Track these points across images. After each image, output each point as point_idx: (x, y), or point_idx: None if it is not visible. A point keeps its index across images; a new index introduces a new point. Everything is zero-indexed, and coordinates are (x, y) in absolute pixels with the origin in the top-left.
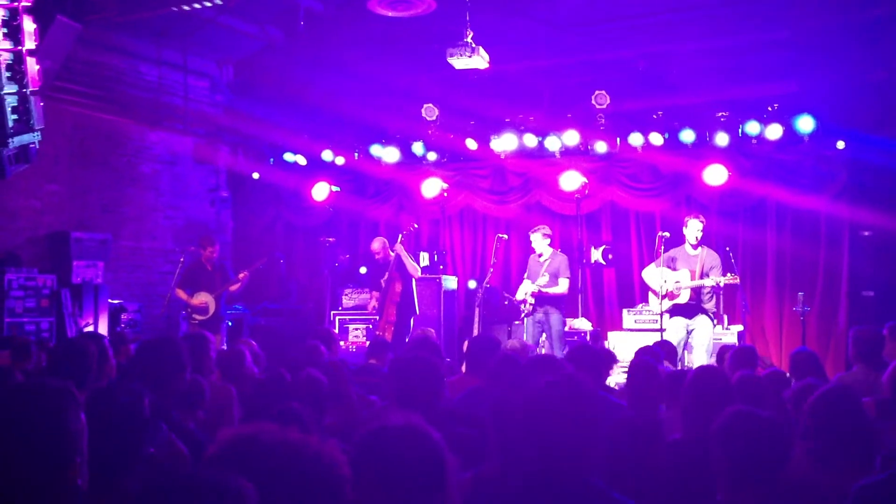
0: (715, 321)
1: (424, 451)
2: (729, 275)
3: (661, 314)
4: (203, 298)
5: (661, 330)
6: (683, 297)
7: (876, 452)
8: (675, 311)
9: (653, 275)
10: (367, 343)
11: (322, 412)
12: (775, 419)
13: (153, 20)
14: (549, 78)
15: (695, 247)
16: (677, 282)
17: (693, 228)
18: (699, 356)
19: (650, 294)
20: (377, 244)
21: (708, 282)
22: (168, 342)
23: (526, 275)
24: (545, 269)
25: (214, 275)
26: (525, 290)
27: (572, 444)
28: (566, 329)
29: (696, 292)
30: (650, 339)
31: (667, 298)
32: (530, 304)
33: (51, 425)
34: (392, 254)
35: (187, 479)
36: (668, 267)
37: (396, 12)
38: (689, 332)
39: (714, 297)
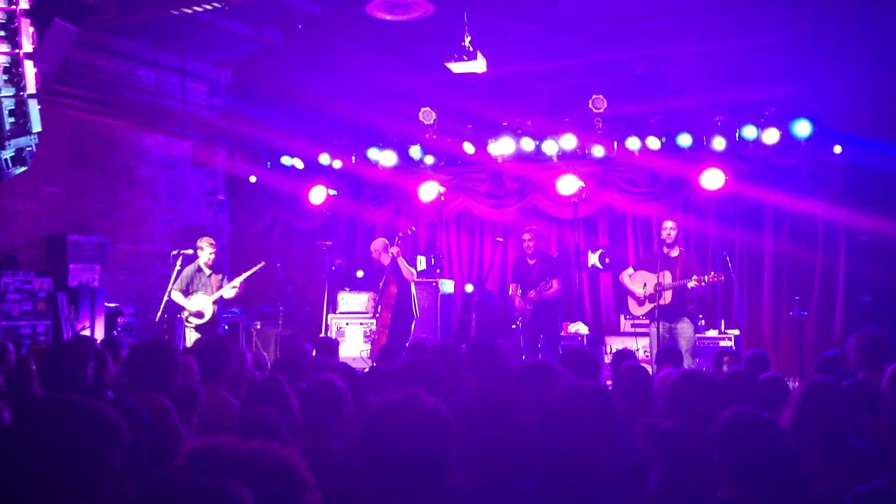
0: (699, 322)
1: (430, 418)
2: (712, 272)
3: (658, 320)
4: (199, 301)
5: (647, 334)
6: (665, 300)
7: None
8: (658, 314)
9: (630, 279)
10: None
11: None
12: (775, 420)
13: (151, 23)
14: (546, 81)
15: (671, 248)
16: (658, 284)
17: (666, 229)
18: (683, 359)
19: (629, 300)
20: (377, 245)
21: (690, 282)
22: (160, 346)
23: (512, 279)
24: (536, 273)
25: (211, 278)
26: (525, 304)
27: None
28: (562, 333)
29: (678, 295)
30: (647, 343)
31: (648, 301)
32: (526, 315)
33: (85, 453)
34: (391, 252)
35: (184, 483)
36: (648, 270)
37: (394, 16)
38: (671, 335)
39: (695, 300)
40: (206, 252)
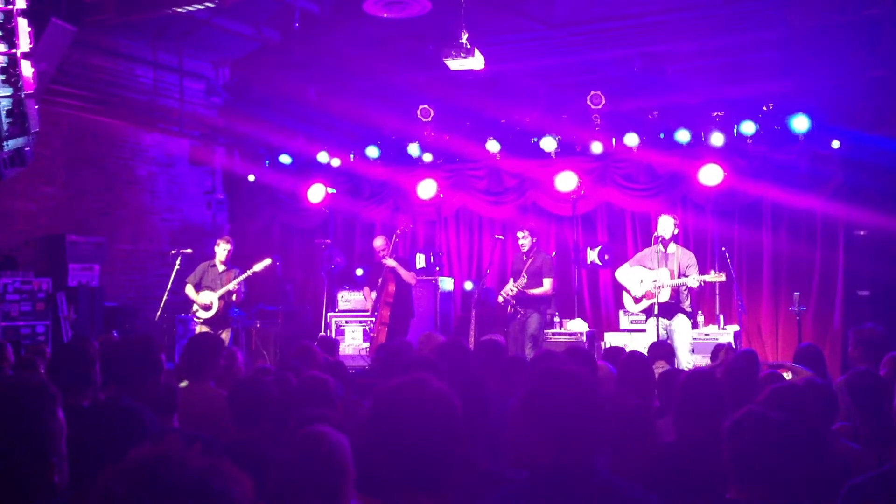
0: (697, 318)
1: (435, 402)
2: (712, 272)
3: (657, 317)
4: (207, 297)
5: (643, 330)
6: (664, 297)
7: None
8: (654, 310)
9: (626, 275)
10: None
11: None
12: (786, 419)
13: (149, 22)
14: (544, 78)
15: (667, 243)
16: (655, 280)
17: (666, 225)
18: (682, 356)
19: (624, 294)
20: (379, 242)
21: (690, 281)
22: (142, 341)
23: (511, 275)
24: (526, 268)
25: (223, 274)
26: (505, 291)
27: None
28: (561, 330)
29: (675, 291)
30: (646, 339)
31: (645, 298)
32: (511, 307)
33: (27, 423)
34: (385, 262)
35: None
36: (643, 266)
37: (392, 13)
38: (668, 333)
39: (690, 296)
40: (221, 249)
